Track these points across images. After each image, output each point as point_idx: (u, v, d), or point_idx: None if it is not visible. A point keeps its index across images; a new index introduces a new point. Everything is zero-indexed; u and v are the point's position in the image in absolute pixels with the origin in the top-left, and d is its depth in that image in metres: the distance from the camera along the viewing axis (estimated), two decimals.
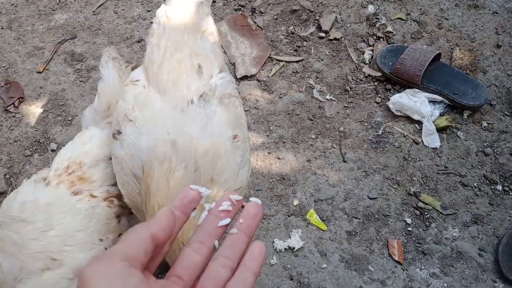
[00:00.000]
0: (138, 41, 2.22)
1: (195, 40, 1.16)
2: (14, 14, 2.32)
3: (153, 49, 1.16)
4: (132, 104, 1.05)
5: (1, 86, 2.06)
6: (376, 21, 2.24)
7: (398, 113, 1.95)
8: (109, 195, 1.14)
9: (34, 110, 2.00)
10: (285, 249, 1.65)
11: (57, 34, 2.24)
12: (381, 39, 2.18)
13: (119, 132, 1.06)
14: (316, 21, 2.26)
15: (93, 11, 2.33)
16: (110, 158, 1.14)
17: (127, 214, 1.18)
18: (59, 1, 2.37)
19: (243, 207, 0.53)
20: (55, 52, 2.17)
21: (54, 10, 2.34)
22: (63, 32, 2.25)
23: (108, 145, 1.17)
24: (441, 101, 1.97)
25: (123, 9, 2.35)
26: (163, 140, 1.00)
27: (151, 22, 2.28)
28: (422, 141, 1.90)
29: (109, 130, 1.18)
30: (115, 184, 1.13)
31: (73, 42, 2.21)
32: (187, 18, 1.21)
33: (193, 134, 0.99)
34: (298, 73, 2.11)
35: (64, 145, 1.29)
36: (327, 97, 2.03)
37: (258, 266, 0.47)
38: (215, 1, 2.35)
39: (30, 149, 1.90)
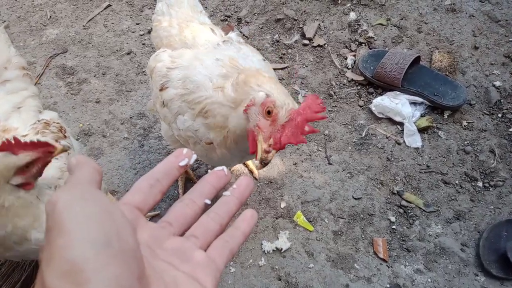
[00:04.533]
0: (128, 53, 2.28)
1: (198, 15, 1.48)
2: (6, 30, 2.39)
3: (167, 29, 1.41)
4: (169, 59, 1.31)
5: None
6: (357, 27, 2.31)
7: (381, 115, 2.02)
8: (37, 130, 1.22)
9: None
10: (273, 250, 1.70)
11: (48, 48, 2.30)
12: (363, 44, 2.25)
13: (166, 83, 1.29)
14: (300, 29, 2.33)
15: (83, 26, 2.40)
16: (19, 107, 1.28)
17: (62, 137, 1.28)
18: (50, 16, 2.44)
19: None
20: (46, 66, 2.23)
21: (45, 26, 2.40)
22: (54, 46, 2.31)
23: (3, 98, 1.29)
24: (422, 103, 2.04)
25: (113, 23, 2.42)
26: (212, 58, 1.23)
27: (141, 35, 2.36)
28: (404, 141, 1.97)
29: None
30: (36, 122, 1.25)
31: (64, 56, 2.28)
32: (185, 1, 1.48)
33: (232, 55, 1.25)
34: (284, 79, 2.18)
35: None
36: None
37: (248, 227, 0.50)
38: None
39: None
